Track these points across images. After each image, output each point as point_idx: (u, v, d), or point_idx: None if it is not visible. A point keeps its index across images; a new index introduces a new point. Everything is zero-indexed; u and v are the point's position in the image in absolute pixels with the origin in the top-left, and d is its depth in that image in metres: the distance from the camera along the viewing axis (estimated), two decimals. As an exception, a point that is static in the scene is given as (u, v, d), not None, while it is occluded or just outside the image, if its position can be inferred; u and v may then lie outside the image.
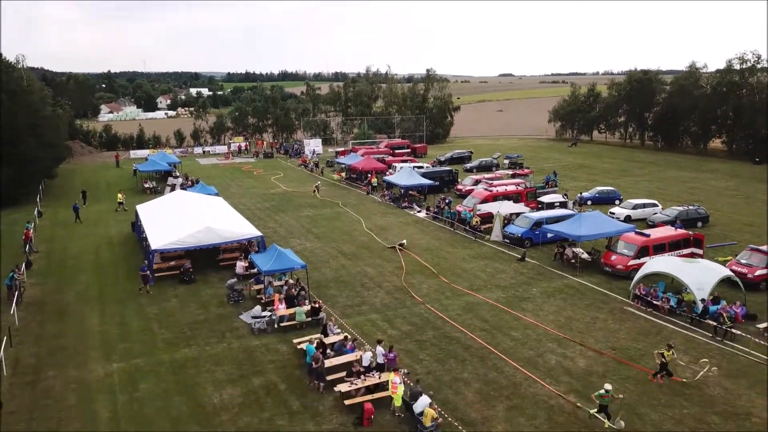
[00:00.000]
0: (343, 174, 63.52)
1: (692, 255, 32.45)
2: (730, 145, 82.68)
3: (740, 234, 39.59)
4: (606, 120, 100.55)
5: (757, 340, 23.75)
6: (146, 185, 57.11)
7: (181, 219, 33.54)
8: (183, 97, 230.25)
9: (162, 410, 19.11)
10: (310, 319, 25.56)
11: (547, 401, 19.66)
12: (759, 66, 79.56)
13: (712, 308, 25.52)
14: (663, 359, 20.67)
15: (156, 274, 30.70)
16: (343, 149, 79.57)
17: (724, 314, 24.77)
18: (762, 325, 24.90)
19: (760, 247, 31.04)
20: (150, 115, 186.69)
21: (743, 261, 30.64)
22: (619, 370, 21.64)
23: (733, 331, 24.28)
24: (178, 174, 60.62)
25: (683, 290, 27.55)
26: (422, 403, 17.98)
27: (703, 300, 25.83)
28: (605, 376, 21.14)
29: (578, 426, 18.27)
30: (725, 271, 27.63)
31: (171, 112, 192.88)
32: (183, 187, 52.04)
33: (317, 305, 26.27)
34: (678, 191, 54.85)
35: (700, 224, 41.50)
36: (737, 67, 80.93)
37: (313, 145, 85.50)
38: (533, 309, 27.34)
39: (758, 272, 29.58)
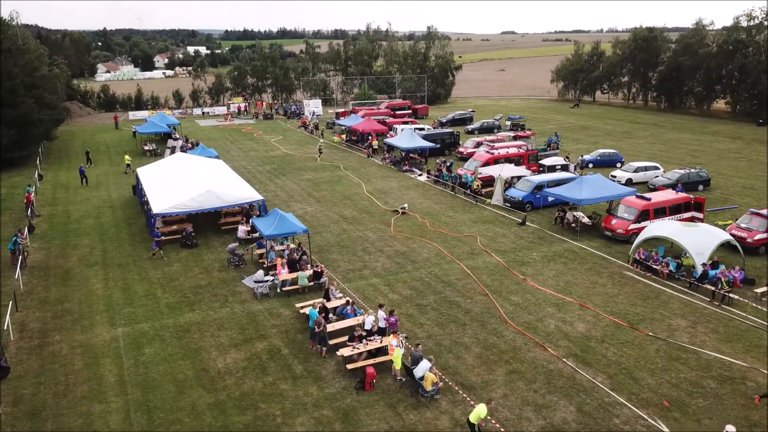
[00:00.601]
0: (344, 136, 63.08)
1: (692, 219, 32.53)
2: (734, 106, 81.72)
3: (741, 197, 39.56)
4: (609, 80, 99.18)
5: (754, 304, 24.03)
6: (146, 147, 56.77)
7: (182, 182, 33.49)
8: (180, 56, 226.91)
9: (167, 374, 19.49)
10: (312, 283, 25.80)
11: (546, 365, 20.01)
12: (767, 23, 77.85)
13: (711, 273, 25.69)
14: None
15: (158, 239, 30.81)
16: (343, 110, 78.80)
17: (723, 279, 24.93)
18: (760, 290, 25.11)
19: (761, 211, 31.02)
20: (147, 74, 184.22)
21: (743, 225, 30.68)
22: (617, 335, 21.94)
23: (731, 295, 24.51)
24: (177, 136, 60.20)
25: (682, 254, 27.70)
26: (423, 367, 18.30)
27: (702, 264, 26.00)
28: (603, 341, 21.47)
29: (576, 389, 18.64)
30: (725, 236, 27.69)
31: (169, 72, 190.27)
32: (183, 149, 51.74)
33: (319, 270, 26.47)
34: (680, 154, 54.55)
35: (701, 187, 41.42)
36: (744, 24, 79.25)
37: (313, 107, 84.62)
38: (533, 273, 27.55)
39: (758, 236, 29.66)
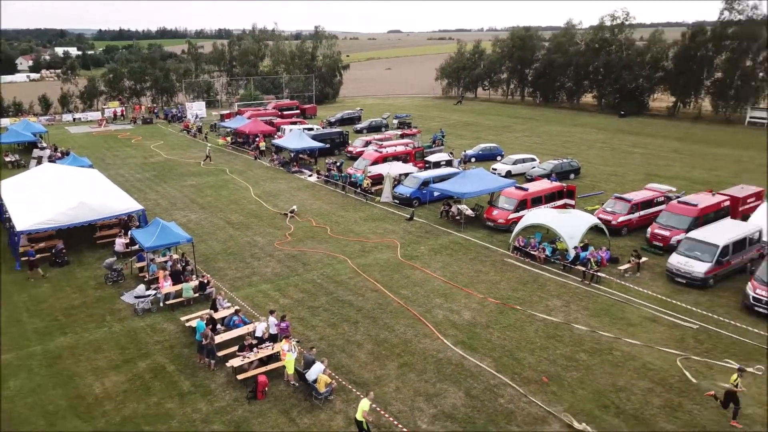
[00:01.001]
0: (229, 138, 61.31)
1: (565, 206, 34.89)
2: (600, 100, 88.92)
3: (606, 184, 43.04)
4: (490, 77, 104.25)
5: (618, 281, 26.27)
6: (7, 159, 51.84)
7: (51, 195, 30.93)
8: (47, 57, 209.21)
9: (35, 406, 17.90)
10: (198, 294, 24.82)
11: (435, 355, 20.62)
12: (627, 23, 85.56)
13: (581, 255, 27.73)
14: (735, 388, 16.88)
15: (23, 258, 28.26)
16: (228, 112, 76.51)
17: (592, 259, 27.02)
18: (623, 267, 27.48)
19: (623, 195, 33.92)
20: (8, 78, 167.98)
21: (608, 209, 33.38)
22: (500, 320, 23.07)
23: (599, 274, 26.62)
24: (44, 145, 55.54)
25: (557, 239, 29.64)
26: (316, 370, 18.20)
27: (574, 248, 28.00)
28: (488, 326, 22.49)
29: (465, 375, 19.38)
30: (593, 219, 30.04)
31: (34, 75, 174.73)
32: (51, 159, 47.91)
33: (205, 280, 25.52)
34: (554, 145, 58.37)
35: (572, 176, 44.60)
36: (608, 23, 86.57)
37: (196, 109, 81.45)
38: (421, 266, 28.30)
39: (621, 219, 32.41)
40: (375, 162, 43.83)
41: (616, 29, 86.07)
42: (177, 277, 25.48)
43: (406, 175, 40.86)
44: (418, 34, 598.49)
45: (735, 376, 16.82)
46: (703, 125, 72.93)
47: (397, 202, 38.66)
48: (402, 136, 56.72)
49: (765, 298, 22.75)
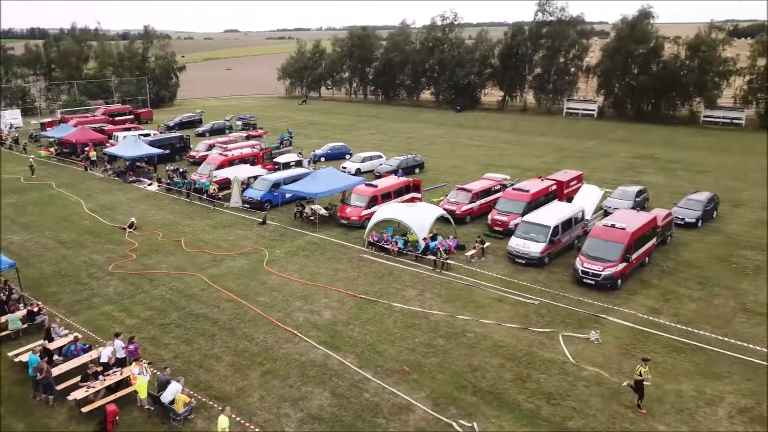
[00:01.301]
0: (53, 149, 55.33)
1: (413, 199, 36.39)
2: (437, 96, 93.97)
3: (449, 176, 45.60)
4: (332, 76, 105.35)
5: (466, 266, 28.00)
6: None
7: None
8: None
9: None
10: (26, 325, 22.12)
11: (298, 358, 20.41)
12: (456, 23, 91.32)
13: (431, 245, 29.11)
14: (639, 376, 17.54)
15: None
16: (50, 120, 68.98)
17: (441, 248, 28.49)
18: (469, 253, 29.33)
19: (464, 186, 36.15)
20: None
21: (452, 199, 35.38)
22: (360, 315, 23.44)
23: (449, 261, 28.14)
24: None
25: (408, 232, 30.81)
26: (172, 390, 17.12)
27: (424, 239, 29.29)
28: (349, 323, 22.75)
29: (329, 375, 19.41)
30: (439, 211, 31.70)
31: None
32: None
33: (35, 308, 22.81)
34: (398, 142, 60.61)
35: (417, 170, 46.63)
36: (439, 23, 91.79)
37: (10, 118, 72.35)
38: (278, 270, 27.83)
39: (464, 208, 34.53)
40: (220, 166, 42.26)
41: (447, 29, 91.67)
42: (0, 308, 22.48)
43: (256, 177, 39.90)
44: (256, 33, 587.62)
45: (640, 366, 17.75)
46: (528, 117, 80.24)
47: (248, 206, 37.61)
48: (248, 138, 55.36)
49: (591, 271, 25.59)
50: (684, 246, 30.54)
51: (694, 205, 33.83)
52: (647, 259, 27.96)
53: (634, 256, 26.15)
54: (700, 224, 33.14)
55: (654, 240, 28.45)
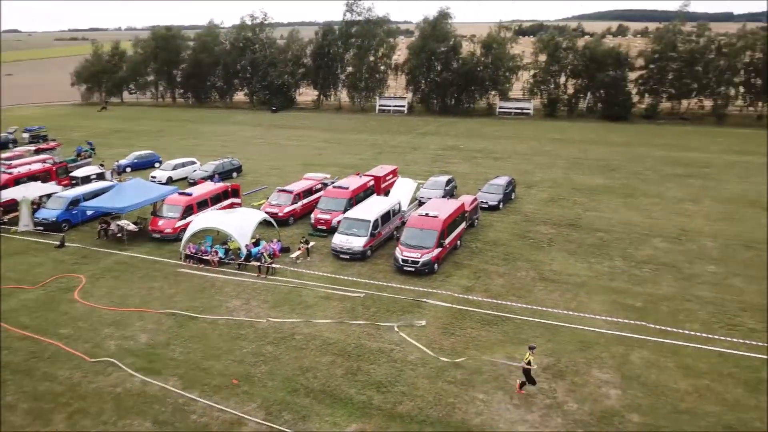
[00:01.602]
0: None
1: (232, 205, 35.07)
2: (251, 97, 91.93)
3: (269, 178, 44.80)
4: (135, 80, 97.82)
5: (292, 268, 27.69)
6: None
7: None
8: None
9: None
10: None
11: (112, 391, 18.51)
12: (266, 23, 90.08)
13: (254, 250, 28.27)
14: (528, 365, 18.07)
15: None
16: None
17: (265, 253, 27.78)
18: (294, 255, 29.04)
19: (286, 188, 35.72)
20: None
21: (274, 202, 34.75)
22: (181, 334, 21.95)
23: (274, 266, 27.56)
24: None
25: (228, 240, 29.59)
26: None
27: (246, 245, 28.34)
28: (169, 344, 21.19)
29: (149, 402, 17.87)
30: (261, 214, 30.95)
31: None
32: None
33: None
34: (213, 146, 58.10)
35: (235, 174, 45.13)
36: (249, 23, 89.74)
37: None
38: (82, 298, 25.00)
39: (286, 209, 34.10)
40: (4, 185, 36.85)
41: (257, 28, 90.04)
42: None
43: (49, 196, 35.45)
44: (42, 34, 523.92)
45: (527, 354, 18.26)
46: (344, 115, 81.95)
47: (41, 228, 33.26)
48: (37, 152, 49.12)
49: (410, 259, 26.79)
50: (489, 227, 33.38)
51: (495, 189, 37.14)
52: (459, 242, 30.06)
53: (447, 241, 27.94)
54: (501, 206, 36.46)
55: (463, 224, 30.66)
